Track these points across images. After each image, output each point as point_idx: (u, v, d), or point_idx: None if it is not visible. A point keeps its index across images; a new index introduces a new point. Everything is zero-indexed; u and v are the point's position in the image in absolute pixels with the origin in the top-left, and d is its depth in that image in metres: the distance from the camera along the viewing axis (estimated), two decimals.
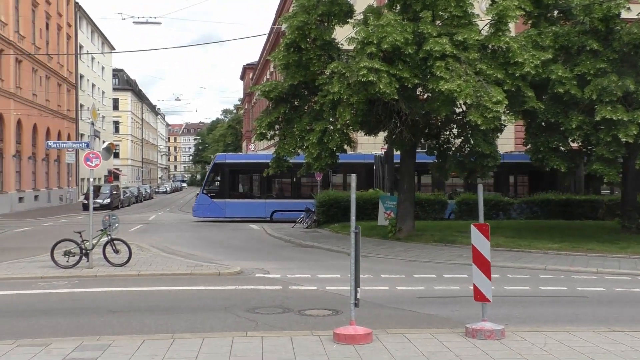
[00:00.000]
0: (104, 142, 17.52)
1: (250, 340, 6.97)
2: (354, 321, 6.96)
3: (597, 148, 16.51)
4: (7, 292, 10.84)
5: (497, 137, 18.85)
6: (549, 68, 16.20)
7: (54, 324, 8.28)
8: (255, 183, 30.32)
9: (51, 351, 6.57)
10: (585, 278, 12.70)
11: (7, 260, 14.84)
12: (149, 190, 64.02)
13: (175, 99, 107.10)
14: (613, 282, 12.20)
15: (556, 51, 17.00)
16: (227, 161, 30.05)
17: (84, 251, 13.32)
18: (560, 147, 17.73)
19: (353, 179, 7.19)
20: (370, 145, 31.33)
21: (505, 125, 18.57)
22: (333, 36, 18.78)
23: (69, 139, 46.82)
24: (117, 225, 14.00)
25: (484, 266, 7.12)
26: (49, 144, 15.01)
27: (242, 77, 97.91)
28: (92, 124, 13.36)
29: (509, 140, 33.62)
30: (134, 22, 27.16)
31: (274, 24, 55.28)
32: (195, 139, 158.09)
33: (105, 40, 62.92)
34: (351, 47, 19.35)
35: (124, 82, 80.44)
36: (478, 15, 16.44)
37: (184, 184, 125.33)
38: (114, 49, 65.85)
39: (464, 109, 17.72)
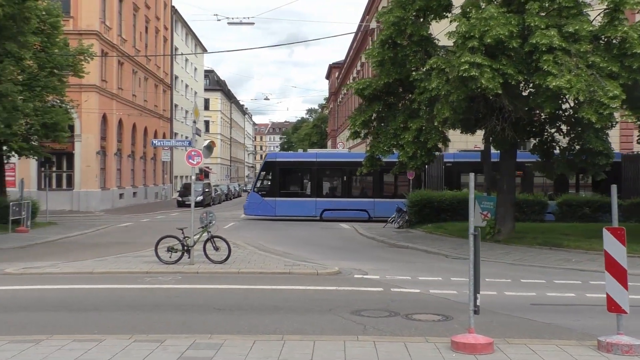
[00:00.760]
0: (204, 140, 17.87)
1: (362, 345, 6.73)
2: (473, 329, 6.56)
3: None
4: (118, 285, 11.22)
5: (607, 134, 17.64)
6: None
7: (164, 320, 8.40)
8: (306, 182, 30.10)
9: (167, 348, 6.61)
10: None
11: (114, 254, 15.46)
12: (237, 188, 65.59)
13: (264, 99, 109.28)
14: None
15: None
16: (277, 160, 30.05)
17: (185, 248, 13.62)
18: None
19: (471, 178, 6.75)
20: (461, 144, 30.42)
21: (617, 122, 17.35)
22: (429, 32, 18.28)
23: (164, 137, 48.73)
24: (213, 222, 14.22)
25: (620, 274, 6.50)
26: (154, 142, 15.49)
27: (328, 76, 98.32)
28: (194, 122, 13.63)
29: (612, 139, 31.65)
30: (228, 22, 27.79)
31: (361, 21, 55.01)
32: (280, 138, 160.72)
33: (198, 42, 65.03)
34: (447, 43, 18.80)
35: (214, 83, 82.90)
36: (589, 4, 15.39)
37: None
38: (206, 51, 67.93)
39: (572, 104, 16.73)
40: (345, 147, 49.94)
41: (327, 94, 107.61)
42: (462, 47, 14.74)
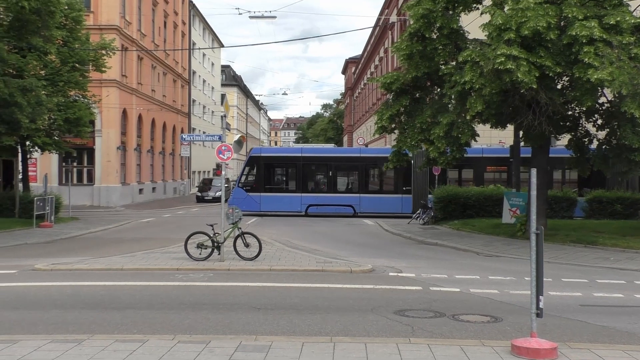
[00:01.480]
0: (235, 135, 17.61)
1: (417, 349, 6.43)
2: (536, 333, 6.24)
3: None
4: (150, 282, 11.01)
5: None
6: None
7: (203, 319, 8.15)
8: (291, 177, 29.75)
9: (213, 350, 6.36)
10: None
11: (141, 250, 15.28)
12: None
13: (283, 94, 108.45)
14: None
15: None
16: (262, 154, 29.62)
17: (215, 244, 13.39)
18: None
19: (533, 173, 6.41)
20: (485, 139, 29.91)
21: None
22: (459, 24, 17.86)
23: (182, 132, 48.65)
24: (240, 218, 13.96)
25: None
26: (184, 136, 15.26)
27: (344, 71, 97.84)
28: (224, 116, 13.37)
29: None
30: (250, 16, 27.43)
31: (380, 15, 54.52)
32: (295, 133, 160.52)
33: (215, 37, 64.87)
34: (476, 36, 18.37)
35: (230, 78, 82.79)
36: None
37: None
38: (223, 46, 67.75)
39: (609, 98, 16.26)
40: (365, 143, 49.53)
41: (342, 89, 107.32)
42: (497, 39, 14.33)
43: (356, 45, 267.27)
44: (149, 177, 40.59)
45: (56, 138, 24.87)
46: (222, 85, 74.74)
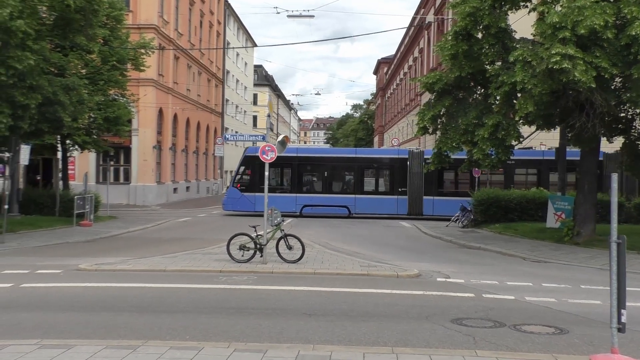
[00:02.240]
0: (278, 135, 17.45)
1: None
2: (617, 349, 5.84)
3: None
4: (195, 285, 10.85)
5: None
6: None
7: (254, 325, 7.91)
8: (286, 177, 29.39)
9: None
10: None
11: (181, 251, 15.17)
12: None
13: (316, 94, 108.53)
14: None
15: None
16: (257, 154, 28.99)
17: (258, 246, 13.20)
18: None
19: (614, 179, 6.01)
20: (526, 141, 29.23)
21: None
22: (507, 22, 17.37)
23: (215, 133, 48.80)
24: (283, 220, 13.75)
25: None
26: (227, 136, 15.25)
27: (376, 72, 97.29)
28: (269, 116, 13.27)
29: None
30: (288, 15, 27.38)
31: (416, 14, 53.91)
32: (325, 134, 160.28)
33: (248, 37, 65.02)
34: (523, 35, 17.85)
35: (262, 78, 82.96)
36: None
37: None
38: (257, 45, 67.91)
39: None
40: (399, 143, 48.99)
41: (373, 90, 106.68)
42: (551, 38, 13.83)
43: (387, 46, 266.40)
44: (183, 177, 40.76)
45: (95, 137, 25.06)
46: (255, 85, 74.89)
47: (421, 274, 12.42)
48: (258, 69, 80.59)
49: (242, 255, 13.15)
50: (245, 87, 66.12)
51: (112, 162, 31.21)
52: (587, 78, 13.16)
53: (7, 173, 19.53)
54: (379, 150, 32.93)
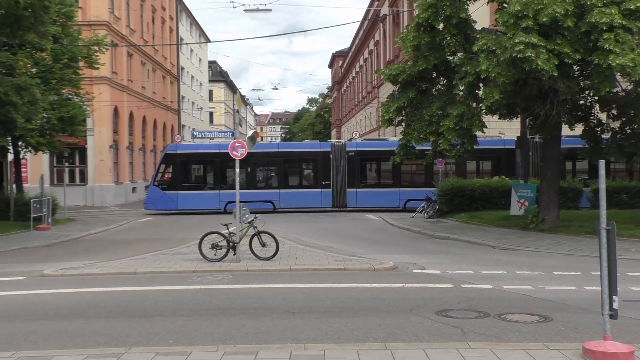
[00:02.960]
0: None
1: (482, 354, 6.05)
2: (610, 336, 5.88)
3: None
4: (169, 287, 10.54)
5: None
6: None
7: (238, 326, 7.68)
8: (209, 174, 29.13)
9: None
10: None
11: (149, 252, 14.77)
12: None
13: (273, 88, 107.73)
14: None
15: None
16: (178, 152, 28.50)
17: (231, 244, 12.93)
18: None
19: (601, 165, 6.03)
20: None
21: None
22: (469, 13, 17.51)
23: (172, 130, 47.90)
24: (247, 216, 13.49)
25: None
26: (194, 133, 14.82)
27: (331, 65, 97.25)
28: (237, 111, 12.93)
29: None
30: (245, 9, 26.92)
31: (370, 6, 54.07)
32: (281, 128, 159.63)
33: (202, 33, 63.98)
34: (482, 25, 18.03)
35: (217, 74, 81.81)
36: None
37: None
38: (210, 41, 66.87)
39: (624, 87, 16.02)
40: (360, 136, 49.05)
41: (327, 83, 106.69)
42: (513, 27, 13.98)
43: (341, 39, 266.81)
44: (141, 176, 39.82)
45: (49, 137, 24.15)
46: (210, 81, 73.83)
47: (397, 267, 12.40)
48: (212, 64, 79.39)
49: (215, 254, 12.87)
50: (201, 84, 65.10)
51: (67, 163, 30.20)
52: (549, 67, 13.37)
53: None
54: (301, 144, 32.67)
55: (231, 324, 7.85)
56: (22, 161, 27.68)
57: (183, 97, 54.09)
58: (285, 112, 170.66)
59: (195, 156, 29.00)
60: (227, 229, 13.06)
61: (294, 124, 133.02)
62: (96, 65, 25.37)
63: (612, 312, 5.85)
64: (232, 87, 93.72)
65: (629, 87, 15.58)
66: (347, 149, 27.90)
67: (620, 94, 15.96)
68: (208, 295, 9.80)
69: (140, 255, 14.06)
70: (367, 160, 28.58)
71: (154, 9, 43.64)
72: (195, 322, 8.00)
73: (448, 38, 17.50)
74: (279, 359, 6.03)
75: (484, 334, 7.17)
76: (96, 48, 24.85)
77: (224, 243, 12.93)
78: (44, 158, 31.05)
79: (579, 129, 18.27)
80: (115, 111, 34.56)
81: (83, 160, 33.21)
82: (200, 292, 10.06)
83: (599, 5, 13.42)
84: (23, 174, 28.07)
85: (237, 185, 13.08)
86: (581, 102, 17.02)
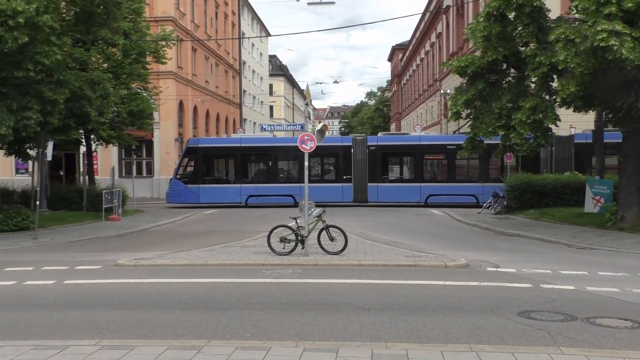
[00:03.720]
0: (318, 123, 17.09)
1: None
2: None
3: None
4: (240, 279, 10.54)
5: None
6: None
7: (314, 322, 7.56)
8: (230, 168, 28.89)
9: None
10: None
11: (216, 244, 14.90)
12: None
13: (334, 82, 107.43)
14: None
15: None
16: (200, 145, 28.43)
17: (299, 238, 12.87)
18: None
19: None
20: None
21: None
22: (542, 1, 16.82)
23: (234, 124, 48.58)
24: (312, 210, 13.32)
25: None
26: (264, 126, 14.83)
27: (390, 59, 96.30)
28: (307, 104, 12.78)
29: None
30: (308, 3, 26.83)
31: None
32: (340, 122, 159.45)
33: (263, 27, 64.54)
34: (556, 14, 17.26)
35: (277, 68, 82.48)
36: None
37: None
38: (270, 35, 67.42)
39: None
40: (422, 130, 48.34)
41: (386, 77, 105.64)
42: (594, 14, 13.29)
43: (400, 32, 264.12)
44: None
45: (119, 131, 24.86)
46: (270, 75, 74.49)
47: (469, 264, 12.03)
48: (272, 59, 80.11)
49: (283, 248, 12.83)
50: (262, 78, 65.78)
51: (135, 156, 31.06)
52: (634, 56, 12.64)
53: (36, 169, 19.34)
54: (325, 138, 32.42)
55: (306, 319, 7.74)
56: (93, 154, 28.69)
57: (244, 91, 54.78)
58: (344, 105, 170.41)
59: (217, 150, 29.21)
60: (296, 222, 13.00)
61: (352, 117, 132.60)
62: (163, 60, 25.93)
63: None
64: (291, 81, 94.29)
65: None
66: (369, 144, 27.71)
67: None
68: (279, 289, 9.74)
69: (209, 247, 14.21)
70: (389, 154, 28.33)
71: (217, 4, 44.28)
72: (270, 316, 7.94)
73: (520, 28, 16.87)
74: (360, 357, 5.87)
75: (574, 338, 6.78)
76: (163, 43, 25.37)
77: (293, 237, 12.88)
78: (113, 151, 32.06)
79: None
80: (180, 105, 35.28)
81: (150, 152, 34.10)
82: (272, 286, 10.02)
83: None
84: (94, 166, 29.10)
85: (306, 179, 12.99)
86: None
